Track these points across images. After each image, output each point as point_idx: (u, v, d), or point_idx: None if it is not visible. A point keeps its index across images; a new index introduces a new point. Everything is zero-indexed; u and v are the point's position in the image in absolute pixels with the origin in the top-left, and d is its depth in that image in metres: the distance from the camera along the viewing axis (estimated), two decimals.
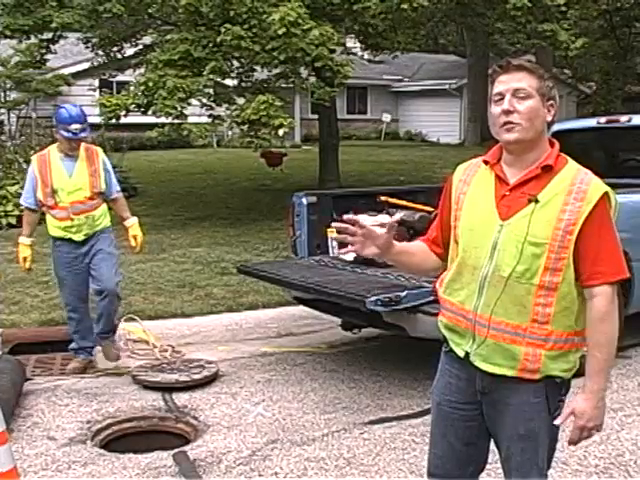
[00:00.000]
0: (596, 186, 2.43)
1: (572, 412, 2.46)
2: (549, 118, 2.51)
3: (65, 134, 5.46)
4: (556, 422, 2.49)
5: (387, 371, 5.72)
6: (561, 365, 2.48)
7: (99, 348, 5.93)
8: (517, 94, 2.45)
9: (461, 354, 2.58)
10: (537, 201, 2.42)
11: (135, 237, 5.87)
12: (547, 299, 2.42)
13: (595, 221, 2.40)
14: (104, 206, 5.78)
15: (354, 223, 2.54)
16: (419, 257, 2.76)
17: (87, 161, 5.65)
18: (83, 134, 5.53)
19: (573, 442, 2.53)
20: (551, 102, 2.51)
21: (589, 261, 2.41)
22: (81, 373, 5.74)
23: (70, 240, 5.62)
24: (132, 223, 5.90)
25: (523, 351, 2.45)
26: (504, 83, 2.47)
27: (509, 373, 2.48)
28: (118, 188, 5.87)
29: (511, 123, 2.45)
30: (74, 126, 5.44)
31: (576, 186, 2.42)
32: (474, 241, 2.52)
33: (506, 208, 2.47)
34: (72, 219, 5.55)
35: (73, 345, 5.92)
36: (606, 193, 2.43)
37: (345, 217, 2.59)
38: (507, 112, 2.45)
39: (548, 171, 2.46)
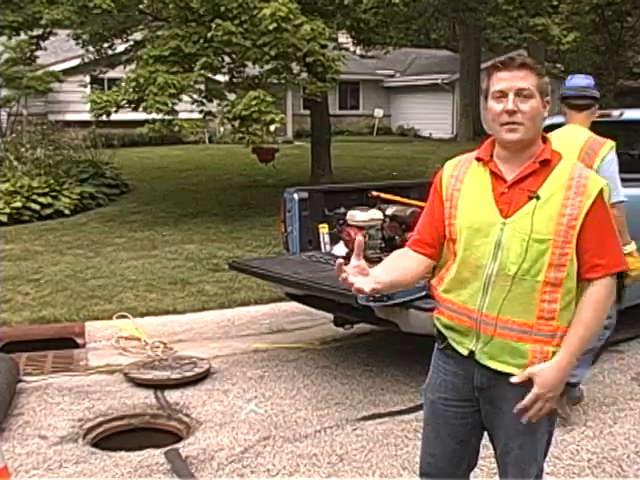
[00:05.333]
0: (595, 180, 2.44)
1: (531, 377, 2.42)
2: (546, 114, 2.51)
3: None
4: (512, 380, 2.44)
5: (379, 367, 5.71)
6: None
7: None
8: (521, 93, 2.42)
9: (465, 352, 2.56)
10: (538, 197, 2.41)
11: None
12: (552, 295, 2.42)
13: (595, 214, 2.40)
14: None
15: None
16: (403, 276, 2.62)
17: None
18: None
19: (524, 407, 2.44)
20: (547, 98, 2.50)
21: (590, 254, 2.41)
22: None
23: None
24: None
25: (530, 348, 2.45)
26: (506, 81, 2.43)
27: (516, 371, 2.47)
28: None
29: (514, 123, 2.42)
30: None
31: (575, 180, 2.42)
32: (475, 239, 2.49)
33: (507, 205, 2.45)
34: None
35: None
36: (603, 187, 2.45)
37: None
38: (511, 112, 2.42)
39: (545, 166, 2.45)
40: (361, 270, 2.42)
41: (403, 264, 2.65)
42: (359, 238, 2.50)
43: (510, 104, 2.42)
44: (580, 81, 4.83)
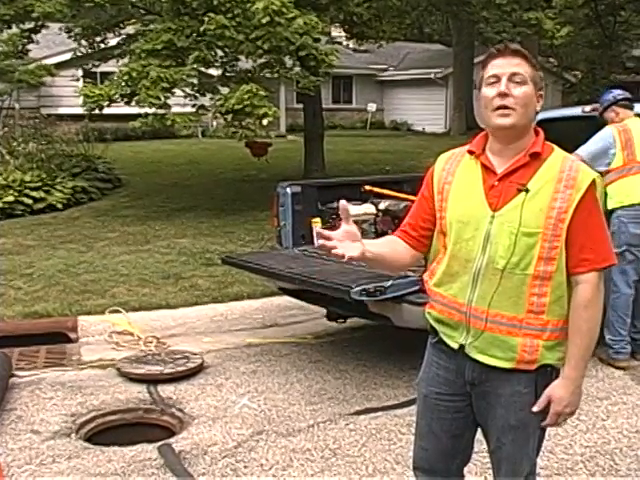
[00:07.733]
0: (585, 173, 2.43)
1: (549, 398, 2.48)
2: (538, 107, 2.50)
3: None
4: (534, 409, 2.49)
5: (373, 361, 5.71)
6: (556, 354, 2.48)
7: None
8: (513, 79, 2.42)
9: (455, 346, 2.56)
10: (527, 190, 2.40)
11: None
12: (542, 289, 2.41)
13: (585, 208, 2.39)
14: None
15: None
16: (392, 256, 2.65)
17: None
18: None
19: (549, 426, 2.56)
20: (541, 92, 2.50)
21: (577, 248, 2.40)
22: None
23: None
24: None
25: (520, 342, 2.44)
26: (500, 67, 2.44)
27: (506, 365, 2.47)
28: None
29: (506, 107, 2.41)
30: None
31: (565, 173, 2.41)
32: (465, 233, 2.48)
33: (496, 199, 2.44)
34: None
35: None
36: (594, 180, 2.43)
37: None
38: (503, 95, 2.41)
39: (536, 159, 2.44)
40: (352, 235, 2.42)
41: (396, 246, 2.69)
42: (342, 202, 2.42)
43: (503, 86, 2.41)
44: (618, 90, 6.00)
